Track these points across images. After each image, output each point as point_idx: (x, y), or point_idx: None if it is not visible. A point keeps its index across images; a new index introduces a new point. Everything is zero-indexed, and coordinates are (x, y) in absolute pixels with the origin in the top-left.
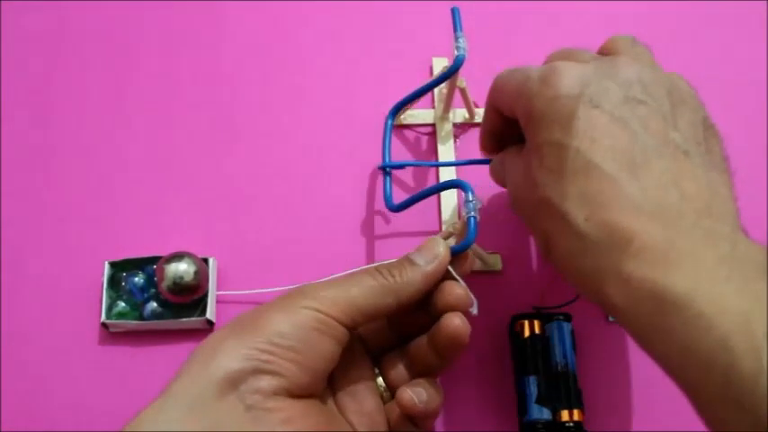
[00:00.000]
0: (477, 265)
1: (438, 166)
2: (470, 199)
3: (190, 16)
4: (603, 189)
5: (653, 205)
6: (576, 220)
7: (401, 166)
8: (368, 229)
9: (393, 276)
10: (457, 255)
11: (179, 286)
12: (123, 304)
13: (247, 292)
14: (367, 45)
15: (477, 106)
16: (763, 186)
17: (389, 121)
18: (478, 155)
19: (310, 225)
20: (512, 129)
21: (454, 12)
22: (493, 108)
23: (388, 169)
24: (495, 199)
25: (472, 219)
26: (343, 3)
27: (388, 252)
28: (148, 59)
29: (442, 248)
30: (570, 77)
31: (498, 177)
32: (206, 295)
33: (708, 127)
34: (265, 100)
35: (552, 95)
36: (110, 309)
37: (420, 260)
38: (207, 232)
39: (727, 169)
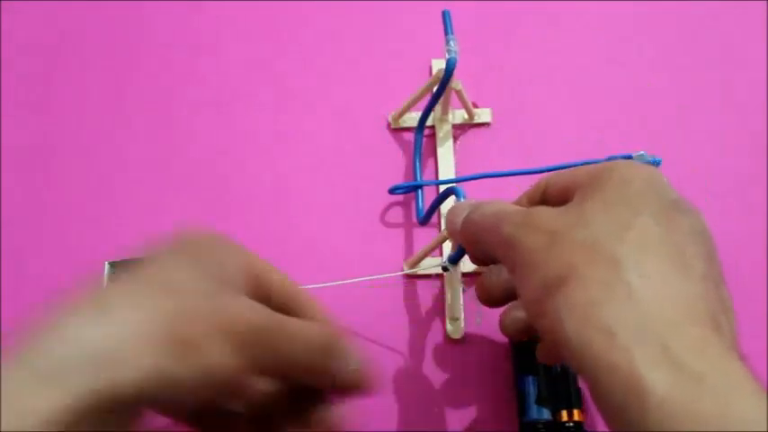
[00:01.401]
0: (476, 267)
1: (454, 182)
2: None
3: (190, 16)
4: None
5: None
6: (629, 272)
7: (418, 187)
8: (367, 229)
9: None
10: (457, 260)
11: None
12: None
13: None
14: (366, 46)
15: (476, 106)
16: (764, 186)
17: (419, 137)
18: (478, 154)
19: (309, 225)
20: None
21: (445, 15)
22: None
23: (398, 191)
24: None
25: None
26: (342, 3)
27: (388, 252)
28: (148, 59)
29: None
30: None
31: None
32: None
33: None
34: (265, 100)
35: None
36: None
37: None
38: None
39: None
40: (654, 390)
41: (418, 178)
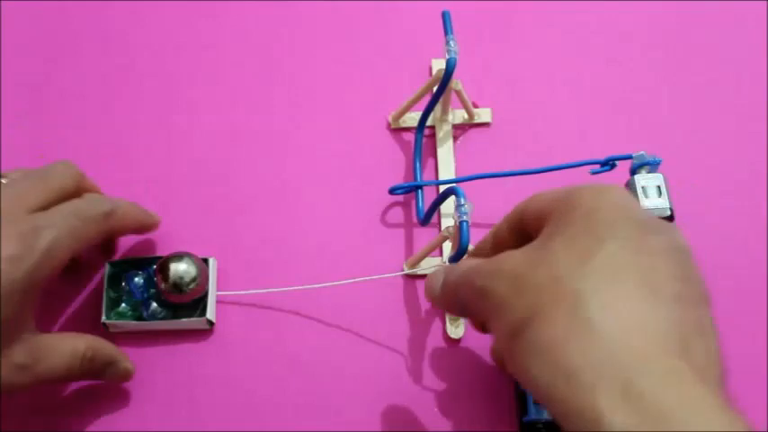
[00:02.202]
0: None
1: (454, 182)
2: (462, 203)
3: (189, 16)
4: None
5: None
6: (589, 305)
7: (418, 187)
8: (367, 229)
9: None
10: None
11: (179, 286)
12: (124, 304)
13: (247, 292)
14: (366, 46)
15: (476, 106)
16: (764, 186)
17: (419, 137)
18: (478, 154)
19: (310, 225)
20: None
21: (445, 15)
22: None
23: (398, 191)
24: (483, 201)
25: (464, 223)
26: (342, 3)
27: (388, 252)
28: (148, 60)
29: None
30: None
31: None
32: (206, 295)
33: None
34: (264, 100)
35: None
36: (110, 309)
37: None
38: (208, 232)
39: None
40: (614, 427)
41: (418, 178)
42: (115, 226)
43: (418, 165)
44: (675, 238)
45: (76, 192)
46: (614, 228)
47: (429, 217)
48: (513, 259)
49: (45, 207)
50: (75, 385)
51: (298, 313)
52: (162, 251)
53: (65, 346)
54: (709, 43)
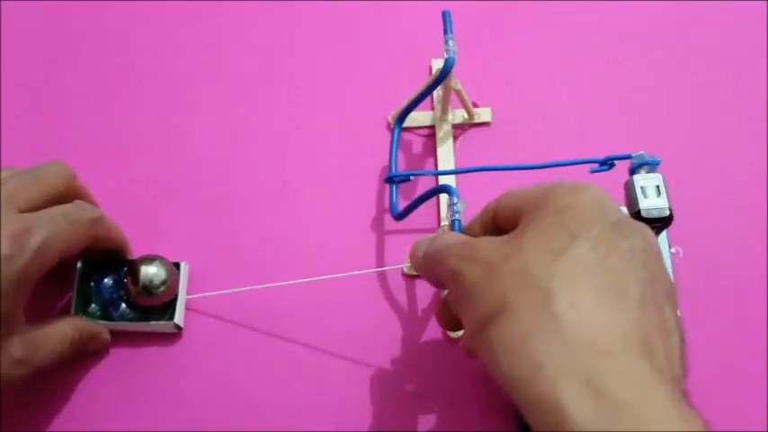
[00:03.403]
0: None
1: (442, 174)
2: (455, 202)
3: (189, 16)
4: None
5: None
6: (558, 302)
7: (407, 178)
8: (367, 228)
9: None
10: None
11: (148, 289)
12: (93, 304)
13: (216, 293)
14: (366, 46)
15: (476, 106)
16: (764, 187)
17: (396, 131)
18: (478, 154)
19: (310, 225)
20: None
21: (445, 15)
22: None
23: (395, 179)
24: (483, 201)
25: (456, 222)
26: (342, 3)
27: (388, 252)
28: (148, 60)
29: None
30: None
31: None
32: (175, 299)
33: None
34: (264, 100)
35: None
36: (80, 306)
37: None
38: (207, 232)
39: None
40: (574, 417)
41: (393, 171)
42: (100, 233)
43: (394, 159)
44: (646, 239)
45: (67, 192)
46: (586, 226)
47: (406, 214)
48: (487, 246)
49: (36, 207)
50: (43, 386)
51: (296, 313)
52: (161, 251)
53: (55, 334)
54: (709, 43)
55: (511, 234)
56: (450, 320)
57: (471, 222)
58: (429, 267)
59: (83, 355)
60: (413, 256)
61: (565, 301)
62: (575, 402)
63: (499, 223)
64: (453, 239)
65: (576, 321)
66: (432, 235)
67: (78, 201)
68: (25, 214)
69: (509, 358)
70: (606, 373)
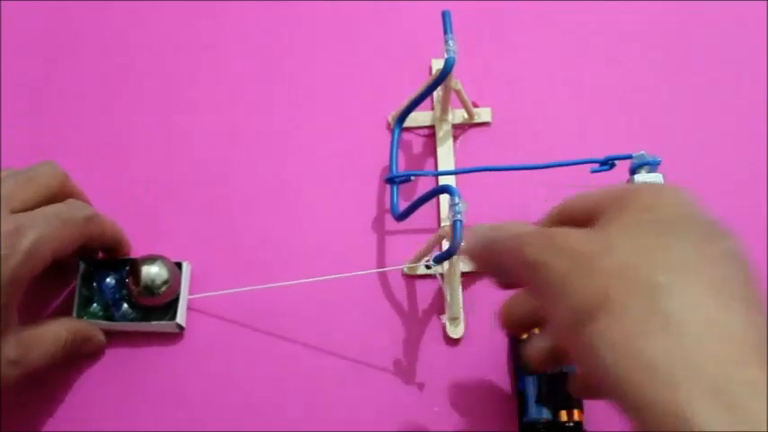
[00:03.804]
0: (472, 266)
1: (443, 174)
2: (456, 202)
3: (189, 16)
4: None
5: None
6: (668, 300)
7: (408, 178)
8: (367, 229)
9: None
10: (443, 259)
11: (150, 289)
12: (95, 304)
13: (218, 293)
14: (366, 46)
15: (476, 106)
16: (764, 187)
17: (396, 131)
18: (478, 154)
19: (310, 225)
20: None
21: (445, 15)
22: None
23: (396, 180)
24: (484, 202)
25: (458, 222)
26: (342, 3)
27: (388, 252)
28: (148, 60)
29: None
30: None
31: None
32: (177, 299)
33: None
34: (264, 100)
35: None
36: (82, 307)
37: None
38: (207, 232)
39: None
40: (708, 429)
41: (394, 172)
42: (95, 232)
43: (394, 159)
44: (738, 241)
45: (60, 192)
46: (679, 226)
47: (407, 214)
48: (572, 236)
49: (29, 207)
50: (45, 385)
51: (296, 313)
52: (161, 251)
53: (48, 335)
54: (709, 43)
55: (594, 229)
56: (521, 321)
57: (539, 222)
58: (490, 257)
59: (77, 358)
60: (468, 244)
61: (674, 300)
62: (706, 412)
63: (568, 224)
64: (523, 228)
65: (689, 323)
66: (490, 224)
67: (70, 199)
68: (17, 214)
69: (617, 359)
70: (732, 383)
